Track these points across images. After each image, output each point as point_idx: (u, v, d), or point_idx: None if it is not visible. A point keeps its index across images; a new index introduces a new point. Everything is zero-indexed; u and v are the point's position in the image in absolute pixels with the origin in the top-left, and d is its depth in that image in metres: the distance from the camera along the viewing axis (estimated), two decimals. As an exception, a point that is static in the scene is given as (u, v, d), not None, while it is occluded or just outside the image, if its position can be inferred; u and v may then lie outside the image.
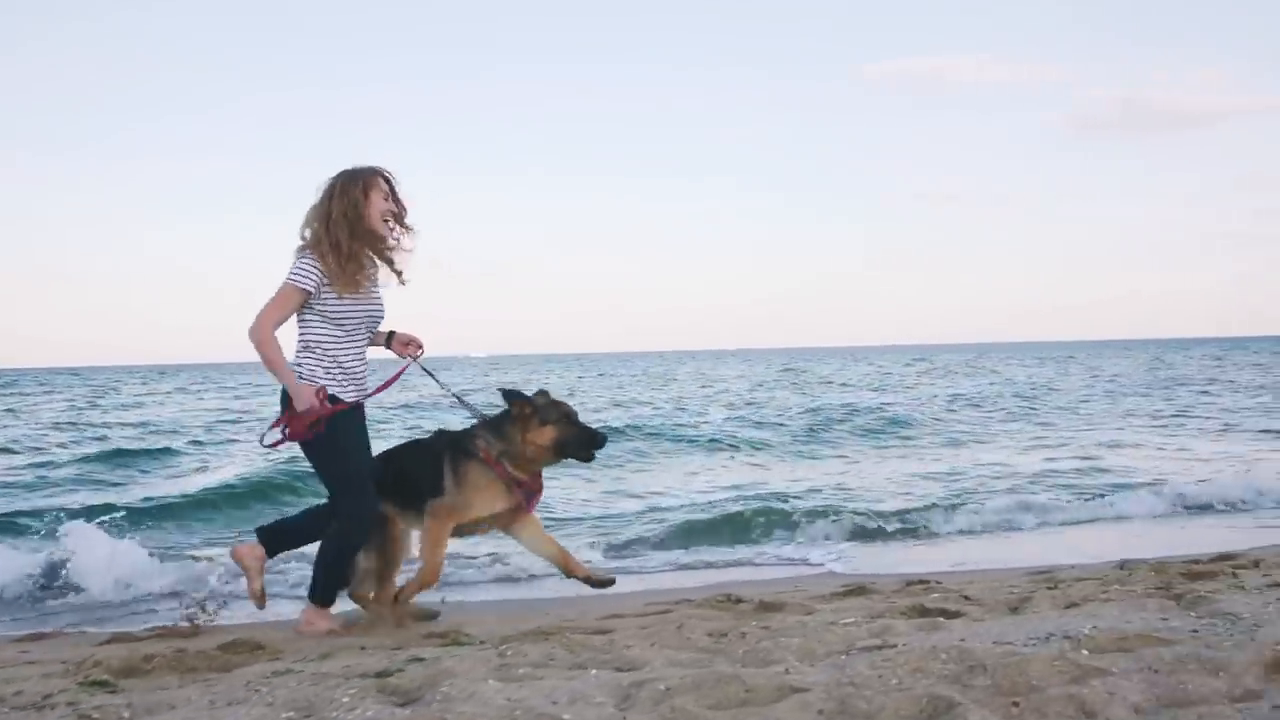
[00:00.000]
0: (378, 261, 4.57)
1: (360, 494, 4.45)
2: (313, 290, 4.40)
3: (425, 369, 4.81)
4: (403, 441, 5.07)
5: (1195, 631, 3.22)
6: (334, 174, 4.49)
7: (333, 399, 4.42)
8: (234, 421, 21.14)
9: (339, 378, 4.47)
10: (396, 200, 4.55)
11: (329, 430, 4.36)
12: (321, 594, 4.55)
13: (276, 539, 4.71)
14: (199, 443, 16.54)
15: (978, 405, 23.11)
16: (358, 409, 4.55)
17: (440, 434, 4.83)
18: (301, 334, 4.51)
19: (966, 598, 4.41)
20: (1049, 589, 4.53)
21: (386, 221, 4.51)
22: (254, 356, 4.44)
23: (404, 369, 4.80)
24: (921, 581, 5.33)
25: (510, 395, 4.64)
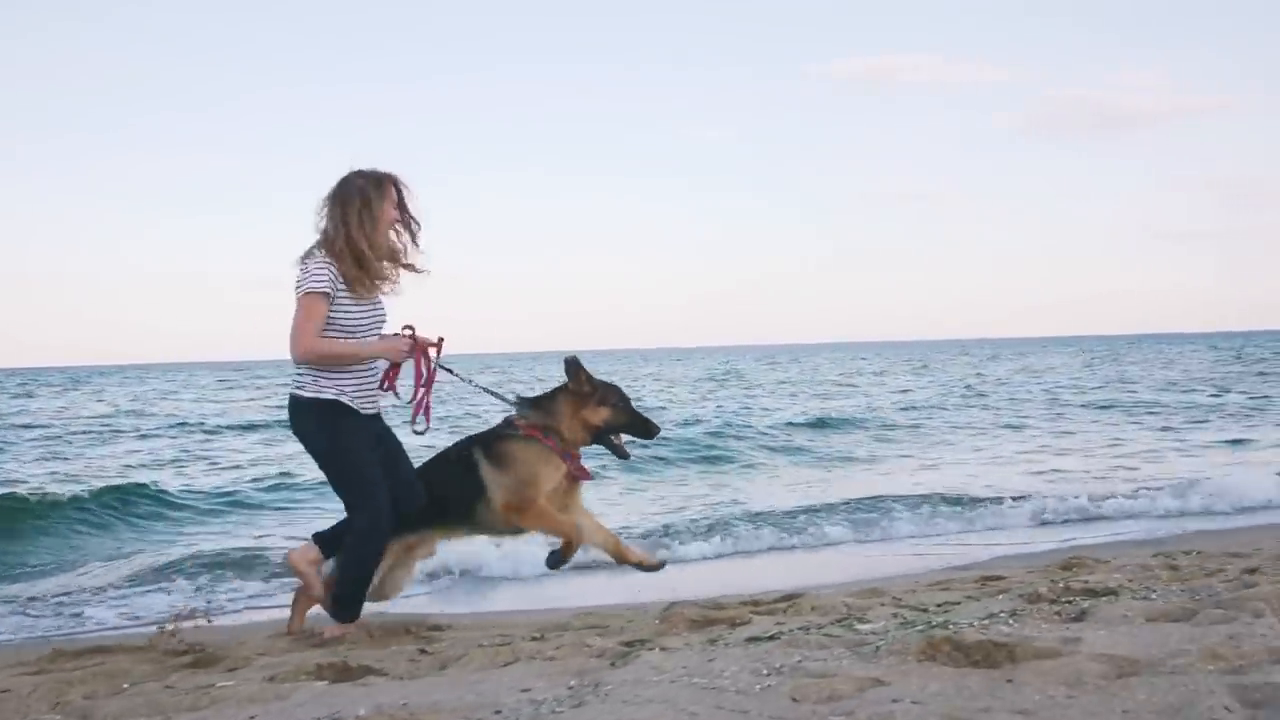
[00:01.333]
0: (392, 268, 4.46)
1: (373, 503, 4.30)
2: (330, 292, 4.25)
3: (445, 366, 4.62)
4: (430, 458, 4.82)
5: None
6: (348, 176, 4.35)
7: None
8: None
9: (349, 388, 4.31)
10: (404, 209, 4.43)
11: (333, 429, 4.29)
12: (342, 610, 4.37)
13: (335, 543, 4.49)
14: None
15: (856, 423, 19.40)
16: (373, 419, 4.42)
17: (466, 437, 4.68)
18: None
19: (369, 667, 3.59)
20: (532, 640, 3.89)
21: (394, 229, 4.40)
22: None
23: (432, 373, 4.57)
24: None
25: (573, 368, 4.46)
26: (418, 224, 4.49)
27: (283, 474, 12.46)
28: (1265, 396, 23.14)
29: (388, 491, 4.33)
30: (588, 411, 4.41)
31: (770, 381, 38.76)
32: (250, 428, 20.33)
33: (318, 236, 4.34)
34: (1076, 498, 9.29)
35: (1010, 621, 3.37)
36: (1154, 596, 3.79)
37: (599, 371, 4.73)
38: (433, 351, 4.54)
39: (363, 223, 4.25)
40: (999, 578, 5.23)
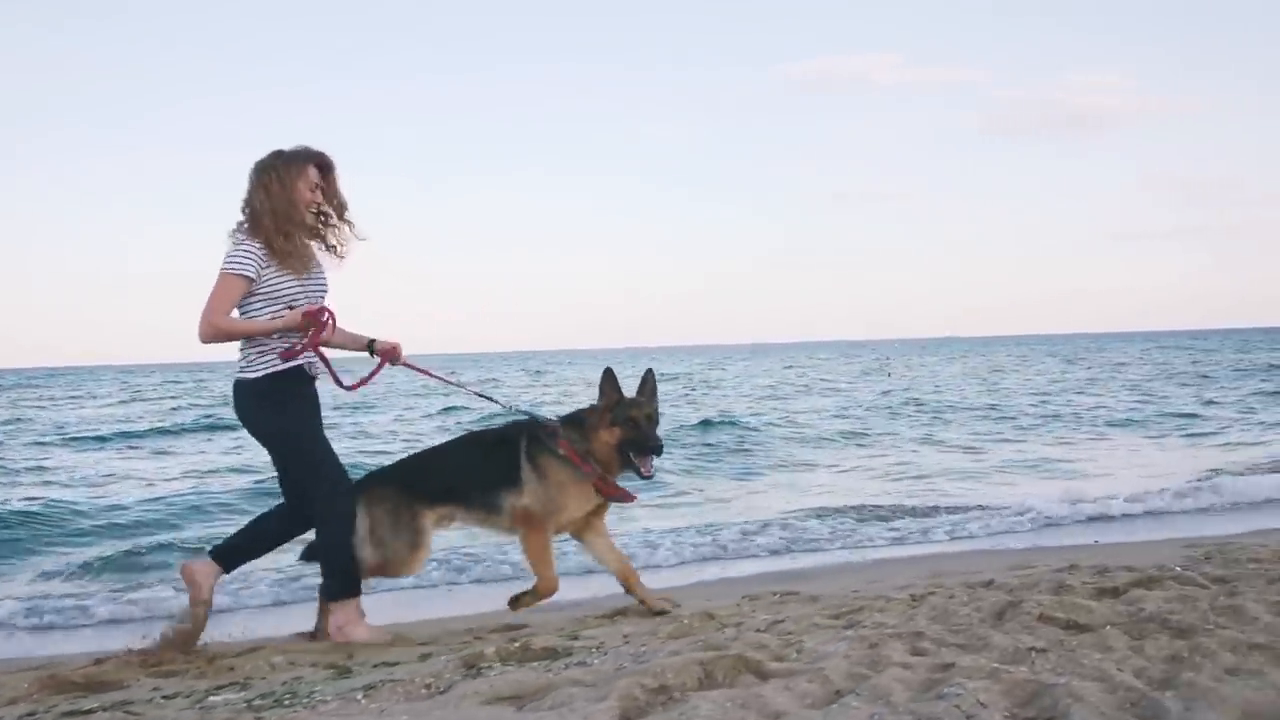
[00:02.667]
0: (315, 243, 4.46)
1: (335, 475, 4.33)
2: (254, 276, 4.23)
3: (420, 370, 4.76)
4: (461, 434, 4.85)
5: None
6: (267, 154, 4.34)
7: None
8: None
9: (279, 356, 4.28)
10: (328, 188, 4.41)
11: (283, 406, 4.27)
12: (337, 590, 4.31)
13: (232, 556, 4.45)
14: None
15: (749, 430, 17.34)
16: (313, 398, 4.41)
17: (513, 423, 4.51)
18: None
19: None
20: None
21: (311, 209, 4.37)
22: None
23: (380, 366, 4.62)
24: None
25: (606, 386, 4.35)
26: (342, 204, 4.47)
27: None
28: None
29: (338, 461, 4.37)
30: (604, 431, 4.29)
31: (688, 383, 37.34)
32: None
33: (244, 214, 4.33)
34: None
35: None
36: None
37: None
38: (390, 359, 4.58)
39: (277, 198, 4.24)
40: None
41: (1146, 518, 8.62)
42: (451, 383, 5.04)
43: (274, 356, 4.24)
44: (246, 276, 4.19)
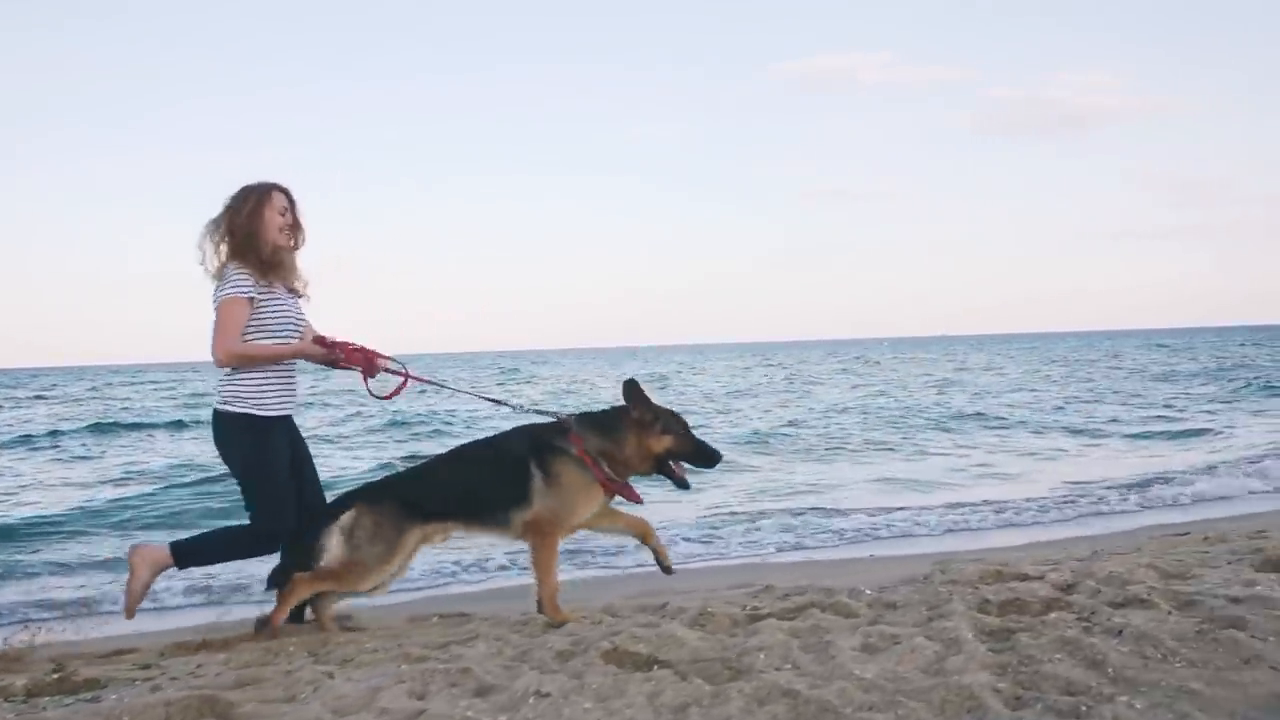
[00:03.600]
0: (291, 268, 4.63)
1: (280, 511, 4.43)
2: (254, 297, 4.42)
3: (413, 376, 4.74)
4: (468, 442, 4.63)
5: None
6: (237, 190, 4.55)
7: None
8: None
9: (275, 386, 4.48)
10: (293, 214, 4.61)
11: (254, 446, 4.42)
12: (184, 555, 4.47)
13: (189, 556, 4.53)
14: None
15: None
16: (286, 423, 4.58)
17: (519, 430, 4.39)
18: None
19: None
20: None
21: (283, 231, 4.54)
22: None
23: (404, 383, 4.72)
24: None
25: (635, 395, 4.27)
26: (303, 233, 4.66)
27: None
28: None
29: (296, 503, 4.48)
30: (651, 440, 4.24)
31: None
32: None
33: (223, 248, 4.48)
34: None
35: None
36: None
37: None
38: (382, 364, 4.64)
39: (254, 221, 4.45)
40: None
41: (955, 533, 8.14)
42: (454, 389, 5.35)
43: (247, 393, 4.43)
44: (249, 298, 4.39)
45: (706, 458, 4.29)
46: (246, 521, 4.52)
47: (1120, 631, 3.26)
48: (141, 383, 49.09)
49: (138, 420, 22.88)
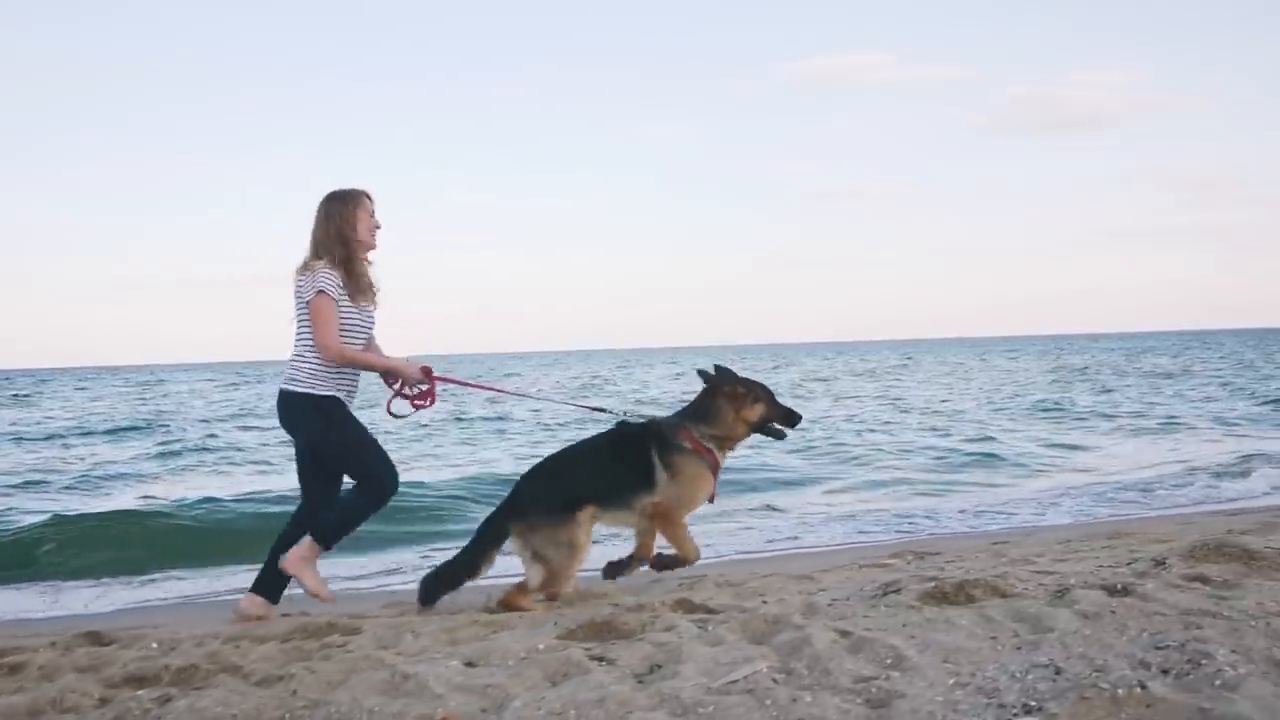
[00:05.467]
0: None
1: (387, 463, 4.75)
2: (337, 297, 4.67)
3: (475, 383, 5.79)
4: (593, 435, 4.90)
5: None
6: (328, 194, 4.81)
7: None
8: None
9: (341, 382, 4.77)
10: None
11: (340, 424, 4.74)
12: (326, 536, 4.72)
13: (329, 535, 4.75)
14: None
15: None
16: (350, 413, 4.84)
17: (642, 425, 4.76)
18: (302, 334, 4.74)
19: None
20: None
21: (373, 234, 4.83)
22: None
23: (433, 388, 4.99)
24: None
25: (723, 375, 4.74)
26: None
27: None
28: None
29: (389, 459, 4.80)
30: (746, 410, 4.66)
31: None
32: None
33: (309, 250, 4.76)
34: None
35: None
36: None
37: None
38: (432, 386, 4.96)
39: (346, 228, 4.73)
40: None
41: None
42: (543, 397, 6.33)
43: (326, 381, 4.71)
44: (334, 297, 4.66)
45: (792, 418, 4.80)
46: (353, 489, 4.80)
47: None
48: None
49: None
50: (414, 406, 4.97)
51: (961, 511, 9.13)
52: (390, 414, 5.00)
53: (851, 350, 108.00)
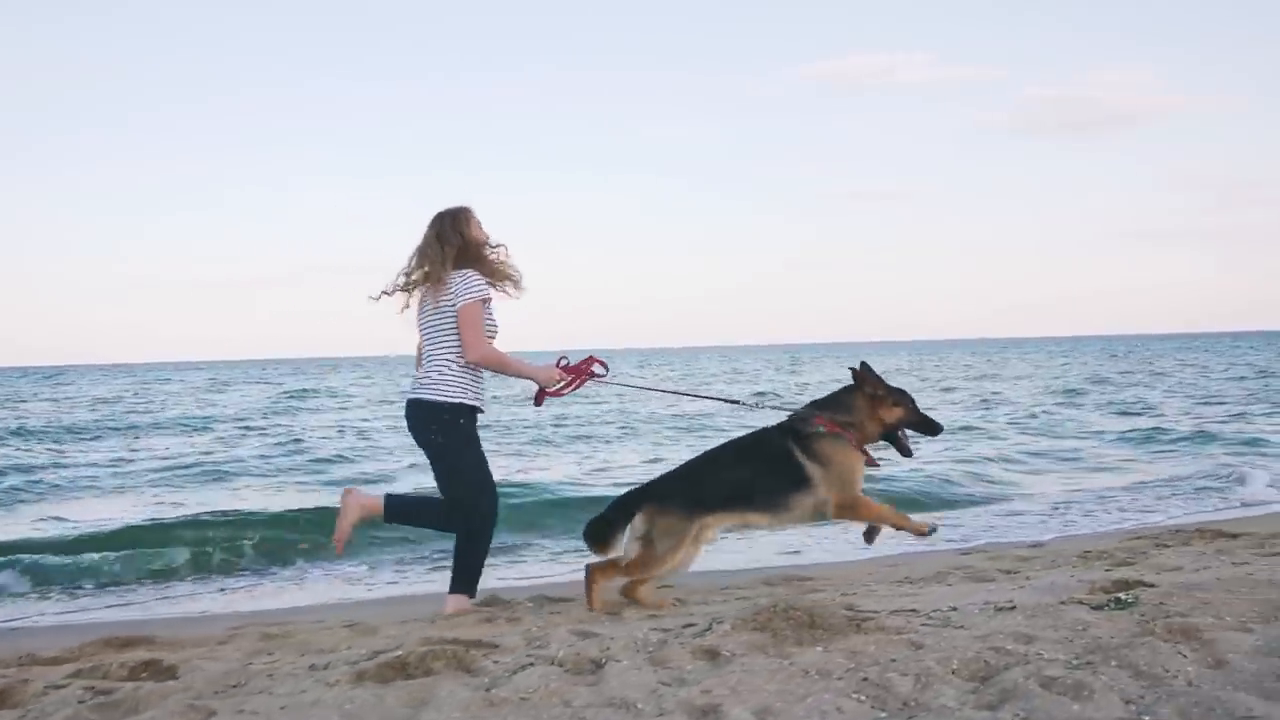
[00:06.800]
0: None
1: (491, 492, 4.92)
2: (487, 298, 4.90)
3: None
4: (726, 441, 4.94)
5: None
6: (443, 212, 5.01)
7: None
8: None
9: (475, 385, 4.94)
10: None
11: (467, 432, 4.90)
12: (464, 586, 4.92)
13: (398, 513, 5.02)
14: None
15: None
16: (475, 431, 5.00)
17: (771, 429, 4.75)
18: (443, 343, 4.90)
19: None
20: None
21: (487, 241, 5.04)
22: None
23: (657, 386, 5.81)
24: None
25: (867, 374, 4.72)
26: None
27: None
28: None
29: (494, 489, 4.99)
30: (884, 411, 4.66)
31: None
32: None
33: (444, 261, 4.88)
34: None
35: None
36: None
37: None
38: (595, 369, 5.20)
39: (467, 235, 4.95)
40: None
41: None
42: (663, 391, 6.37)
43: (461, 387, 4.87)
44: (488, 297, 4.89)
45: (932, 428, 4.77)
46: (456, 527, 4.93)
47: None
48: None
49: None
50: (556, 395, 5.13)
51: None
52: (536, 406, 5.23)
53: (869, 351, 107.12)
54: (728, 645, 3.27)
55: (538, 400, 5.11)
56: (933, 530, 4.78)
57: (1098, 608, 3.51)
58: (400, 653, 3.34)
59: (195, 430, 21.29)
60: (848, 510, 4.54)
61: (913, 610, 3.70)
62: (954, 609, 3.66)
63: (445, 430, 4.84)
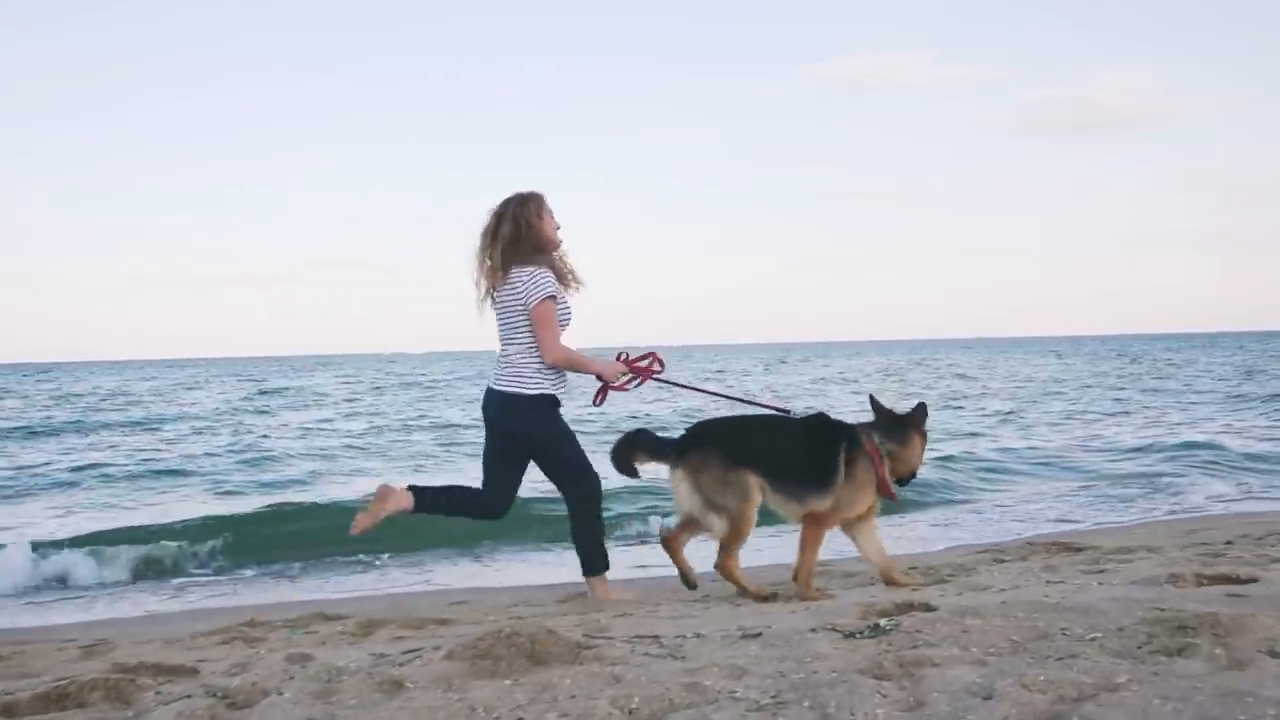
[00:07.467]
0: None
1: (591, 472, 4.92)
2: (558, 295, 4.84)
3: (667, 380, 5.30)
4: (784, 417, 4.74)
5: None
6: (508, 199, 4.90)
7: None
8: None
9: (559, 381, 4.93)
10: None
11: (560, 428, 4.92)
12: (593, 566, 4.97)
13: (427, 502, 4.96)
14: None
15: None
16: (560, 415, 4.99)
17: (836, 422, 4.62)
18: (518, 339, 4.87)
19: None
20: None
21: (558, 232, 4.93)
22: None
23: (706, 387, 5.62)
24: None
25: (922, 414, 4.60)
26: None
27: None
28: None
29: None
30: (917, 455, 4.54)
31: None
32: None
33: (503, 255, 4.81)
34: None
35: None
36: None
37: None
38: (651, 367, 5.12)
39: (541, 229, 4.84)
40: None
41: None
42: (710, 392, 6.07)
43: (545, 380, 4.86)
44: (554, 296, 4.79)
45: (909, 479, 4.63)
46: (479, 486, 4.99)
47: None
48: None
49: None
50: (621, 389, 5.08)
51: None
52: (595, 405, 5.14)
53: (873, 350, 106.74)
54: (422, 675, 2.95)
55: (598, 397, 5.03)
56: (772, 597, 4.46)
57: (849, 635, 3.17)
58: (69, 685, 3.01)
59: (145, 429, 20.98)
60: (811, 520, 4.38)
61: (653, 637, 3.35)
62: (697, 635, 3.32)
63: (534, 424, 4.84)
